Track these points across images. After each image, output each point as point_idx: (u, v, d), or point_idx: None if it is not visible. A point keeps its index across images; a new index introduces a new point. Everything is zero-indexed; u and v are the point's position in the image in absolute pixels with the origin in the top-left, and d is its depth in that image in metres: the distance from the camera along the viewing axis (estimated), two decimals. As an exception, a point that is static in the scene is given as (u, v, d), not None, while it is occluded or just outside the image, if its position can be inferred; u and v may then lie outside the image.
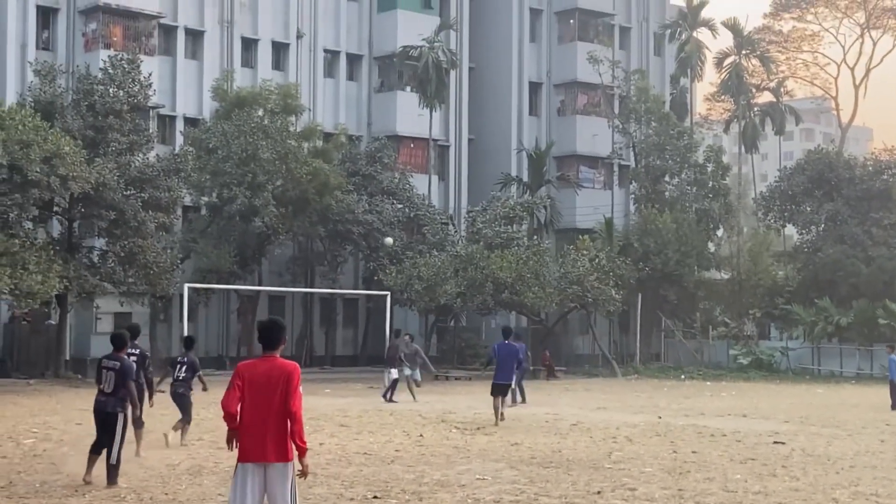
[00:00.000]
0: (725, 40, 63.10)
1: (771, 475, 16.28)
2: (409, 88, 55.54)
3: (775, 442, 21.00)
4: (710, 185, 56.62)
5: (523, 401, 30.27)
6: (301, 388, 9.21)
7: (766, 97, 68.06)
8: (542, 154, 56.24)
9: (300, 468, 9.20)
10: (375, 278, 48.14)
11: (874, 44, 74.78)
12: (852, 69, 75.57)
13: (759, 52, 65.59)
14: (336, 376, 43.51)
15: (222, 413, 9.31)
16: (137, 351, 17.22)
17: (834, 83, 77.79)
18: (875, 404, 32.20)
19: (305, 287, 50.42)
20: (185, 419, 19.50)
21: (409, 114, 54.64)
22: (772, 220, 58.29)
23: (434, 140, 55.46)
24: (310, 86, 53.59)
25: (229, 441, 9.34)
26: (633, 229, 54.90)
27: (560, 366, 48.71)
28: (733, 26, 63.99)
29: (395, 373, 30.84)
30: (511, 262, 45.01)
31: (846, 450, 19.84)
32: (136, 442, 17.03)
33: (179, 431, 19.42)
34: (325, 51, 54.98)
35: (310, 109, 51.84)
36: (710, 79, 76.78)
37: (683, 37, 62.36)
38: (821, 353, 50.42)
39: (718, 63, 64.91)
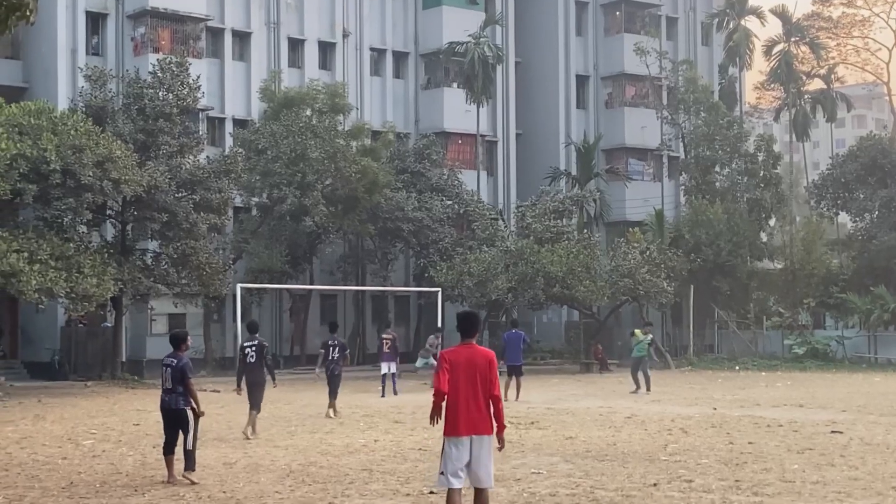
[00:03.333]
0: (774, 28, 62.52)
1: (829, 465, 16.15)
2: (455, 85, 55.56)
3: (833, 431, 20.82)
4: (761, 174, 56.18)
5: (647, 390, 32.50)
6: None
7: (816, 84, 67.33)
8: (591, 147, 56.04)
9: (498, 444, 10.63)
10: (426, 275, 48.21)
11: (926, 27, 73.69)
12: (904, 54, 74.56)
13: (808, 39, 64.91)
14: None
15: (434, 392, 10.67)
16: (257, 342, 20.29)
17: (886, 68, 76.72)
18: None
19: (357, 285, 50.57)
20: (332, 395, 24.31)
21: (456, 110, 54.65)
22: (825, 209, 57.77)
23: (482, 136, 55.43)
24: (357, 84, 53.75)
25: (433, 417, 10.75)
26: (684, 221, 54.58)
27: (613, 359, 48.55)
28: (782, 13, 63.40)
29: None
30: (561, 256, 44.90)
31: (905, 438, 19.65)
32: (249, 424, 20.24)
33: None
34: (372, 49, 55.11)
35: (357, 108, 51.98)
36: (759, 67, 75.97)
37: (731, 25, 61.86)
38: (877, 341, 49.89)
39: (767, 51, 64.30)
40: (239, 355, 21.21)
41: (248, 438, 19.98)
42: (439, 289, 44.07)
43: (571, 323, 54.86)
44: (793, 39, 63.69)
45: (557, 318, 56.82)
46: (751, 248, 53.69)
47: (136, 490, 14.31)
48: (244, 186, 44.39)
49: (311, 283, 49.09)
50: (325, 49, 53.70)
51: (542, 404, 28.07)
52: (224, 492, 14.07)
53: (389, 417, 24.40)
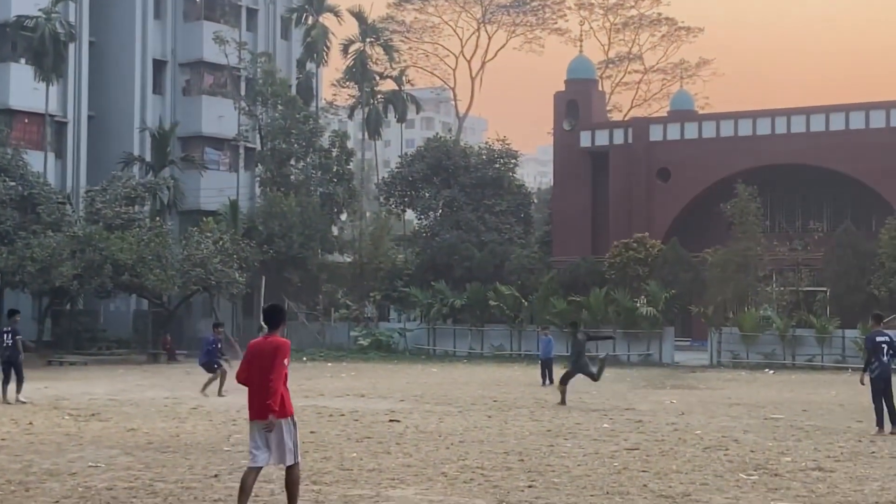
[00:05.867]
0: (351, 27, 64.44)
1: (385, 452, 16.83)
2: (23, 60, 52.90)
3: (391, 420, 21.71)
4: (334, 169, 57.58)
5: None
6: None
7: (389, 85, 69.93)
8: (167, 134, 55.14)
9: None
10: (-15, 259, 45.57)
11: (489, 38, 78.45)
12: (469, 61, 79.03)
13: (382, 41, 67.24)
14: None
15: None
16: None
17: (452, 74, 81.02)
18: (483, 381, 33.97)
19: None
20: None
21: (23, 87, 52.02)
22: (393, 205, 60.15)
23: (51, 116, 53.11)
24: (-88, 52, 49.92)
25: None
26: (258, 212, 54.98)
27: (182, 349, 48.06)
28: (358, 14, 65.31)
29: None
30: (132, 243, 43.98)
31: (456, 426, 20.81)
32: None
33: None
34: (-70, 16, 51.41)
35: None
36: (336, 65, 78.19)
37: (310, 21, 62.96)
38: (436, 333, 52.43)
39: (344, 49, 66.05)
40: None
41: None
42: (-2, 274, 41.89)
43: (140, 312, 53.78)
44: (368, 40, 65.76)
45: (126, 306, 55.49)
46: (322, 241, 54.94)
47: None
48: None
49: None
50: None
51: (104, 395, 27.37)
52: None
53: (-63, 410, 22.94)
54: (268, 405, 11.07)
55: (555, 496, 13.00)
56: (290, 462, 11.30)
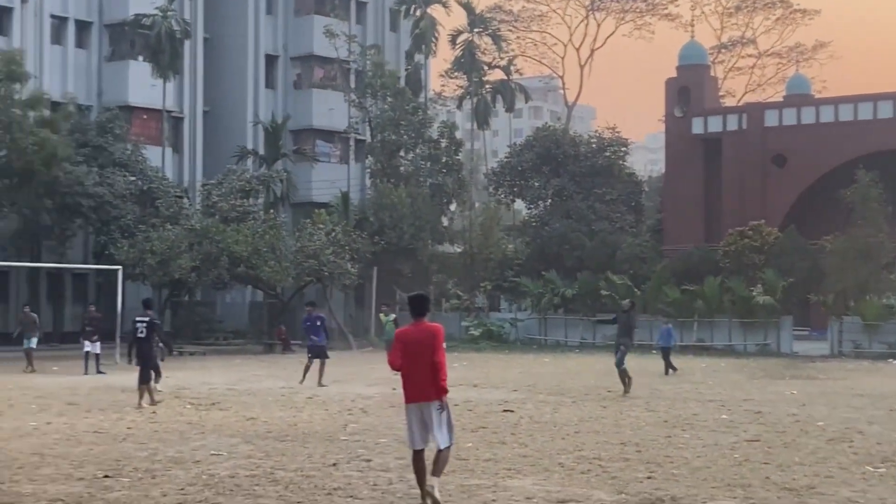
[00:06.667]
0: (459, 18, 64.41)
1: (501, 442, 16.82)
2: (141, 58, 54.07)
3: (505, 410, 21.68)
4: (443, 160, 57.75)
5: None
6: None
7: (497, 75, 69.89)
8: (279, 127, 55.91)
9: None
10: (106, 253, 46.71)
11: (598, 25, 77.85)
12: (578, 50, 78.52)
13: (490, 31, 67.19)
14: (65, 353, 42.02)
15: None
16: (148, 318, 22.41)
17: (561, 63, 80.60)
18: (596, 371, 33.74)
19: (31, 262, 48.37)
20: None
21: (141, 84, 53.20)
22: (502, 195, 60.11)
23: (168, 111, 54.24)
24: (36, 52, 51.34)
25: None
26: (369, 203, 55.41)
27: (296, 340, 48.61)
28: (466, 4, 65.36)
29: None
30: (247, 235, 44.64)
31: (571, 416, 20.71)
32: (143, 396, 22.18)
33: None
34: (53, 16, 52.80)
35: (36, 77, 49.62)
36: (444, 55, 78.52)
37: (418, 13, 63.18)
38: (547, 323, 52.28)
39: (452, 40, 66.15)
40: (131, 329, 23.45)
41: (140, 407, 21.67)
42: (120, 267, 42.81)
43: (255, 303, 54.63)
44: (476, 30, 65.76)
45: (241, 298, 56.43)
46: (432, 231, 55.15)
47: None
48: None
49: (-19, 259, 46.60)
50: (2, 13, 51.06)
51: (223, 385, 27.85)
52: None
53: (64, 399, 23.57)
54: (441, 385, 11.50)
55: (674, 488, 12.85)
56: (444, 444, 11.61)
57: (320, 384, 27.51)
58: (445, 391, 11.54)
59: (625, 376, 25.72)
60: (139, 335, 22.54)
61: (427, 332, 11.61)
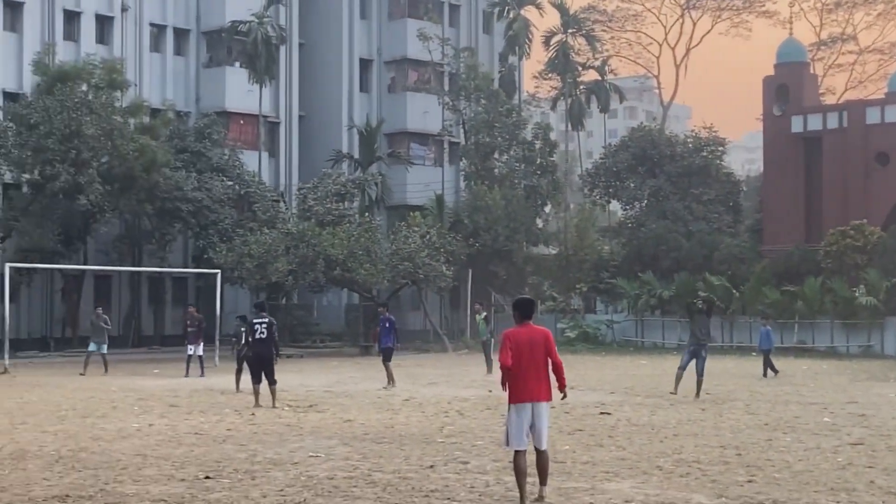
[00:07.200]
0: (552, 19, 64.15)
1: (598, 445, 16.71)
2: (238, 64, 54.82)
3: (602, 413, 21.54)
4: (538, 161, 57.56)
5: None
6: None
7: (591, 75, 69.43)
8: (373, 131, 56.26)
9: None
10: (205, 256, 47.46)
11: (694, 24, 76.94)
12: (673, 49, 77.70)
13: (584, 31, 66.80)
14: (165, 356, 42.79)
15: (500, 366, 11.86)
16: (266, 320, 22.69)
17: (656, 62, 79.79)
18: (695, 373, 33.24)
19: (133, 266, 49.37)
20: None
21: (238, 90, 53.94)
22: (597, 196, 59.68)
23: (264, 116, 54.92)
24: (135, 61, 52.36)
25: (504, 384, 11.94)
26: (464, 206, 55.44)
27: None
28: (560, 5, 65.05)
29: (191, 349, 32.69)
30: (342, 238, 44.95)
31: (669, 419, 20.50)
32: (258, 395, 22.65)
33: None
34: (151, 25, 53.81)
35: (136, 85, 50.68)
36: (537, 57, 77.98)
37: (511, 15, 63.10)
38: (644, 325, 51.84)
39: (546, 41, 65.90)
40: (245, 332, 24.17)
41: (274, 407, 22.17)
42: (218, 271, 43.42)
43: (351, 306, 55.01)
44: (570, 31, 65.42)
45: (337, 300, 56.88)
46: (527, 233, 55.00)
47: None
48: (14, 162, 42.76)
49: (85, 264, 47.66)
50: (103, 23, 52.14)
51: (320, 387, 28.08)
52: (-11, 480, 13.54)
53: (165, 401, 23.96)
54: (562, 383, 12.17)
55: (776, 492, 12.63)
56: (545, 446, 11.94)
57: (387, 385, 27.73)
58: (564, 386, 12.33)
59: (678, 379, 25.13)
60: (258, 336, 22.58)
61: (540, 333, 11.99)
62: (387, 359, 28.41)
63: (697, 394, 24.61)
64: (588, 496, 12.42)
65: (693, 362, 25.02)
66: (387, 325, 28.81)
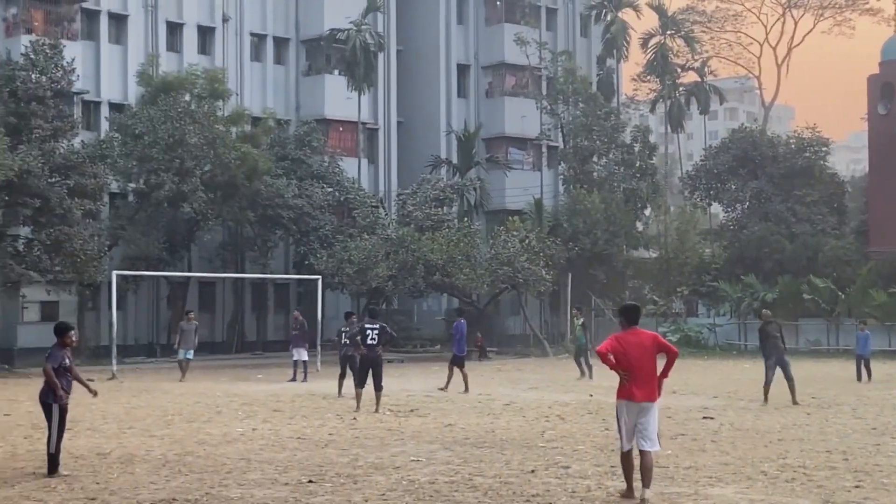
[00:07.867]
0: (650, 21, 63.54)
1: (701, 450, 16.52)
2: (337, 72, 55.35)
3: (704, 417, 21.29)
4: (637, 164, 57.13)
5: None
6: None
7: (690, 77, 68.68)
8: (471, 136, 56.36)
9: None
10: (306, 263, 47.99)
11: (795, 23, 75.80)
12: (774, 48, 76.58)
13: (683, 33, 66.16)
14: (268, 361, 43.34)
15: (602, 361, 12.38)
16: (378, 325, 22.98)
17: (757, 62, 78.75)
18: (800, 377, 32.65)
19: (236, 273, 50.09)
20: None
21: (337, 97, 54.45)
22: (698, 199, 59.01)
23: (363, 123, 55.35)
24: (237, 70, 53.19)
25: (616, 370, 12.36)
26: (563, 210, 55.23)
27: (492, 346, 48.92)
28: (658, 7, 64.51)
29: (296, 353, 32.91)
30: (442, 244, 45.08)
31: (773, 423, 20.19)
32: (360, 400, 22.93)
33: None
34: (252, 34, 54.59)
35: (237, 94, 51.47)
36: (635, 59, 77.33)
37: (609, 18, 62.72)
38: (747, 328, 51.13)
39: (644, 43, 65.37)
40: (356, 337, 23.67)
41: (377, 412, 22.31)
42: (319, 276, 43.86)
43: (451, 310, 55.10)
44: (668, 33, 64.84)
45: (437, 305, 57.04)
46: (627, 237, 54.60)
47: (5, 482, 13.98)
48: (120, 172, 43.66)
49: (190, 271, 48.46)
50: (205, 33, 53.04)
51: (421, 392, 28.19)
52: (97, 483, 13.83)
53: (269, 406, 24.26)
54: (666, 371, 12.47)
55: (884, 497, 12.37)
56: (650, 448, 12.17)
57: (464, 391, 27.69)
58: (666, 375, 12.54)
59: (767, 391, 24.66)
60: (370, 341, 22.74)
61: (650, 337, 12.37)
62: (461, 366, 28.74)
63: (794, 399, 24.16)
64: (691, 501, 12.29)
65: (779, 372, 24.58)
66: (457, 334, 29.32)
